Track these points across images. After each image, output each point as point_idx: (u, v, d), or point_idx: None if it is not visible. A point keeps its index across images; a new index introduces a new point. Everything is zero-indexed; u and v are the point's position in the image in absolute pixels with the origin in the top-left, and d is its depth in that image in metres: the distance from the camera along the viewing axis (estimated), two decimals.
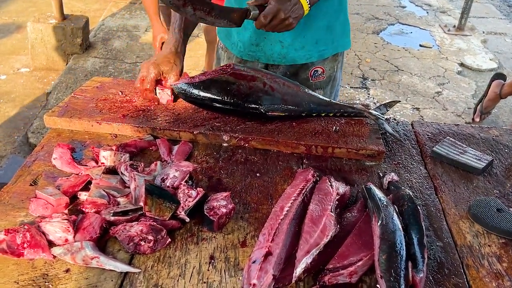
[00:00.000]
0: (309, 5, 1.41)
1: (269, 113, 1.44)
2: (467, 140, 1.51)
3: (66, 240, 1.01)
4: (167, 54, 1.56)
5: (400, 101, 1.72)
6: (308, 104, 1.48)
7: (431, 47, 5.16)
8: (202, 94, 1.43)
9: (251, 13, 1.38)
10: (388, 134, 1.49)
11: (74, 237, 1.01)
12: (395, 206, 1.08)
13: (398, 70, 4.59)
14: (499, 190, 1.30)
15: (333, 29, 1.67)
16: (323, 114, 1.50)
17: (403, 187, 1.23)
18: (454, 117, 3.88)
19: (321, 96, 1.53)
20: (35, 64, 4.40)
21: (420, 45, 5.19)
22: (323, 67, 1.72)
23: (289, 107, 1.46)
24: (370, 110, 1.50)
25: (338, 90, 1.87)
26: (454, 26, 5.63)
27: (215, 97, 1.43)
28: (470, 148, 1.43)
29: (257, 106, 1.43)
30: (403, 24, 5.80)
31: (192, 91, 1.44)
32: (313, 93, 1.52)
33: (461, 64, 4.78)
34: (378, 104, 1.58)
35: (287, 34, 1.58)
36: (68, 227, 1.01)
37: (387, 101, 1.61)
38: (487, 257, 1.07)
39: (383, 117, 1.51)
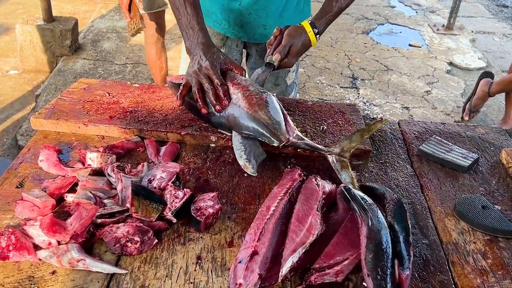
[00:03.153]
0: (318, 38, 1.59)
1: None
2: (453, 138, 1.52)
3: (50, 243, 1.00)
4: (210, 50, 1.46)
5: (387, 120, 1.45)
6: (252, 131, 1.31)
7: (420, 47, 5.19)
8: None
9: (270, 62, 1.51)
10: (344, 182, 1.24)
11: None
12: (379, 205, 1.08)
13: (387, 70, 4.61)
14: (485, 188, 1.31)
15: (299, 4, 1.83)
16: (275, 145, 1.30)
17: (385, 187, 1.23)
18: (443, 116, 3.91)
19: (277, 123, 1.29)
20: (24, 66, 4.38)
21: (410, 45, 5.22)
22: None
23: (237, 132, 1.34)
24: (329, 149, 1.30)
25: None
26: (443, 26, 5.66)
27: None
28: (456, 146, 1.44)
29: (207, 117, 1.39)
30: (392, 24, 5.83)
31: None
32: (267, 116, 1.29)
33: (450, 63, 4.81)
34: (368, 111, 1.53)
35: (270, 19, 1.73)
36: None
37: (353, 133, 1.33)
38: (472, 254, 1.08)
39: (345, 159, 1.29)
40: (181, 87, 1.40)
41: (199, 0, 1.48)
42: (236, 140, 1.32)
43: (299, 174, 1.21)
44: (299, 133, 1.30)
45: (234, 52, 1.90)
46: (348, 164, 1.27)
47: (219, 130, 1.41)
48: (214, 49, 1.43)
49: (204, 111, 1.36)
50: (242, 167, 1.25)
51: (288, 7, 1.78)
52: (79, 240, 1.01)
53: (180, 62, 2.28)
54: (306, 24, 1.57)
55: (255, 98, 1.32)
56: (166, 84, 1.55)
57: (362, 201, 1.06)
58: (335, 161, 1.28)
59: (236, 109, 1.33)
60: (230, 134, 1.37)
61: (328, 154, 1.30)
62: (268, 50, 1.55)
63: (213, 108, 1.36)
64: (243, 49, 1.95)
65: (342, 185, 1.14)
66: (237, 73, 1.42)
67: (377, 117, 1.60)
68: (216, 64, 1.39)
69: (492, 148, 1.49)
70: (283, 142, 1.28)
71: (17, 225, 1.05)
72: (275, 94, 1.38)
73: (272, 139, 1.28)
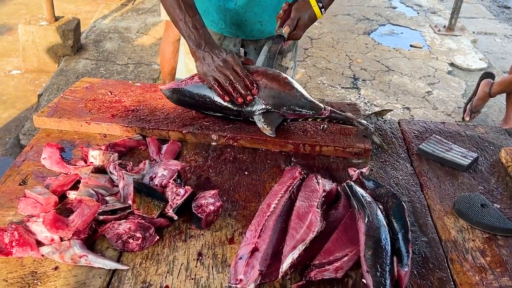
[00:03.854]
0: (323, 11, 1.64)
1: (252, 118, 1.43)
2: (453, 137, 1.53)
3: (52, 240, 1.01)
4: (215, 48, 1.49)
5: (392, 110, 1.69)
6: (294, 106, 1.40)
7: (421, 47, 5.20)
8: (188, 99, 1.46)
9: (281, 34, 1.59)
10: (378, 146, 1.44)
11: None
12: (378, 203, 1.09)
13: (388, 70, 4.62)
14: (484, 186, 1.32)
15: None
16: (310, 120, 1.45)
17: (384, 184, 1.24)
18: (444, 116, 3.91)
19: (308, 96, 1.43)
20: (27, 66, 4.39)
21: (411, 45, 5.22)
22: None
23: (273, 110, 1.42)
24: (360, 120, 1.46)
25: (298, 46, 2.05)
26: (445, 27, 5.66)
27: (201, 101, 1.45)
28: (456, 146, 1.45)
29: (240, 109, 1.43)
30: (394, 24, 5.83)
31: (179, 96, 1.47)
32: (299, 92, 1.42)
33: (451, 64, 4.81)
34: (369, 111, 1.58)
35: (265, 14, 1.74)
36: None
37: (378, 110, 1.59)
38: (471, 252, 1.09)
39: (372, 128, 1.46)
40: (214, 87, 1.41)
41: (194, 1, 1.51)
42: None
43: (300, 172, 1.22)
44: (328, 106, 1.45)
45: None
46: (374, 132, 1.46)
47: (222, 130, 1.43)
48: (221, 47, 1.47)
49: (240, 100, 1.40)
50: (261, 129, 1.38)
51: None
52: (82, 237, 1.03)
53: (178, 62, 2.26)
54: None
55: (281, 79, 1.43)
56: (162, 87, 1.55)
57: (362, 199, 1.07)
58: (365, 129, 1.45)
59: (268, 92, 1.41)
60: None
61: (359, 124, 1.45)
62: (278, 23, 1.62)
63: (236, 100, 1.41)
64: (241, 48, 1.96)
65: (346, 181, 1.16)
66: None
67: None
68: (235, 57, 1.43)
69: (491, 147, 1.49)
70: (322, 111, 1.41)
71: (20, 222, 1.06)
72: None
73: (311, 110, 1.41)
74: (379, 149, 1.45)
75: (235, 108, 1.43)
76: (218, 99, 1.43)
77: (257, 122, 1.40)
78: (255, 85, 1.40)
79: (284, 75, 1.45)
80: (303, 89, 1.45)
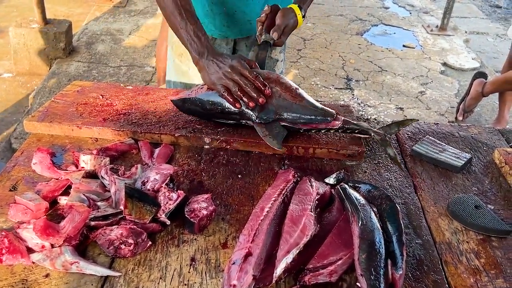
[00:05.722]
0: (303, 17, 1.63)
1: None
2: (447, 138, 1.53)
3: (43, 246, 1.00)
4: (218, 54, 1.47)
5: (418, 120, 1.60)
6: (306, 117, 1.39)
7: (414, 47, 5.21)
8: (199, 108, 1.44)
9: (267, 40, 1.58)
10: (390, 159, 1.39)
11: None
12: (372, 205, 1.09)
13: (382, 71, 4.62)
14: (478, 187, 1.32)
15: None
16: (323, 131, 1.41)
17: (378, 186, 1.24)
18: (438, 116, 3.92)
19: (319, 106, 1.41)
20: (18, 69, 4.36)
21: (404, 46, 5.24)
22: None
23: (286, 123, 1.40)
24: (376, 130, 1.42)
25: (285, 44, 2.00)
26: (437, 26, 5.68)
27: (213, 110, 1.42)
28: (449, 147, 1.45)
29: (252, 119, 1.40)
30: (386, 25, 5.85)
31: (190, 106, 1.45)
32: (310, 102, 1.40)
33: (444, 64, 4.83)
34: (362, 112, 1.57)
35: (255, 14, 1.71)
36: None
37: (399, 120, 1.52)
38: (466, 254, 1.09)
39: (389, 138, 1.41)
40: (224, 95, 1.39)
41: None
42: (257, 125, 1.39)
43: (293, 175, 1.21)
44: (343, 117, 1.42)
45: (224, 50, 1.90)
46: (390, 143, 1.41)
47: (217, 131, 1.42)
48: (224, 54, 1.47)
49: (252, 104, 1.37)
50: (269, 144, 1.33)
51: None
52: (73, 243, 1.01)
53: (167, 63, 2.24)
54: (295, 7, 1.63)
55: (293, 90, 1.41)
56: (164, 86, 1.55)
57: (355, 201, 1.06)
58: (381, 140, 1.41)
59: (282, 102, 1.39)
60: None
61: (376, 134, 1.41)
62: (259, 28, 1.61)
63: (248, 105, 1.38)
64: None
65: (340, 184, 1.16)
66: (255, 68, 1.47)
67: (370, 117, 1.61)
68: (241, 61, 1.42)
69: (485, 148, 1.49)
70: (334, 121, 1.39)
71: (10, 228, 1.05)
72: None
73: (324, 120, 1.38)
74: (372, 151, 1.45)
75: (247, 115, 1.40)
76: (229, 106, 1.40)
77: (263, 138, 1.35)
78: (267, 86, 1.38)
79: (295, 85, 1.43)
80: (314, 100, 1.43)
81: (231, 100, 1.38)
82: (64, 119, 1.44)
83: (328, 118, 1.38)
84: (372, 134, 1.40)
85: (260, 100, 1.37)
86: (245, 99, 1.37)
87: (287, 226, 1.03)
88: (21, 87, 4.18)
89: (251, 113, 1.39)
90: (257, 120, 1.39)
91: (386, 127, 1.47)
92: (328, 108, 1.41)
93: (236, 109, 1.39)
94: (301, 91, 1.42)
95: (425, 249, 1.09)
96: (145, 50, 4.73)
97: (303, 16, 1.64)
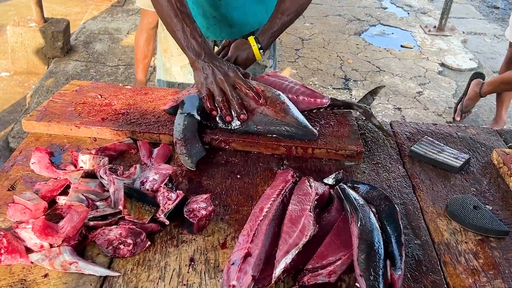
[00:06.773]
0: (262, 53, 1.61)
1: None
2: (445, 139, 1.53)
3: (42, 246, 1.00)
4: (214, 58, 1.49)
5: (384, 86, 1.83)
6: (285, 133, 1.40)
7: (412, 48, 5.22)
8: (187, 111, 1.43)
9: None
10: (377, 128, 1.51)
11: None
12: (371, 205, 1.09)
13: (379, 71, 4.63)
14: (476, 188, 1.32)
15: (265, 2, 1.79)
16: (314, 110, 1.50)
17: (377, 186, 1.24)
18: (435, 116, 3.93)
19: (302, 123, 1.41)
20: (16, 68, 4.36)
21: (401, 46, 5.25)
22: None
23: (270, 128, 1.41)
24: (357, 103, 1.53)
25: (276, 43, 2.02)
26: (435, 27, 5.70)
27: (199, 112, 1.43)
28: (448, 147, 1.45)
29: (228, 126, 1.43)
30: (384, 25, 5.86)
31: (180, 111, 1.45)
32: (293, 118, 1.40)
33: (442, 64, 4.84)
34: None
35: (235, 21, 1.73)
36: None
37: (371, 89, 1.65)
38: (464, 254, 1.09)
39: (370, 109, 1.53)
40: (204, 99, 1.41)
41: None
42: (178, 138, 1.37)
43: (292, 175, 1.21)
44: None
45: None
46: (373, 113, 1.54)
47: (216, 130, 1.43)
48: (221, 59, 1.47)
49: (228, 118, 1.40)
50: (183, 162, 1.30)
51: None
52: (72, 243, 1.01)
53: (157, 61, 2.24)
54: (251, 38, 1.61)
55: (278, 104, 1.41)
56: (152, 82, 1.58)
57: (354, 201, 1.06)
58: (364, 112, 1.53)
59: (262, 118, 1.40)
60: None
61: (358, 107, 1.53)
62: None
63: (225, 117, 1.40)
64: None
65: (339, 184, 1.16)
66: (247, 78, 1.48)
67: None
68: (237, 72, 1.42)
69: (483, 149, 1.50)
70: (322, 100, 1.50)
71: (8, 228, 1.04)
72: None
73: (302, 138, 1.40)
74: (371, 151, 1.45)
75: (221, 124, 1.42)
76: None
77: (179, 155, 1.32)
78: (259, 99, 1.40)
79: (283, 98, 1.43)
80: (299, 114, 1.43)
81: (209, 106, 1.40)
82: (62, 118, 1.43)
83: (307, 136, 1.40)
84: (355, 108, 1.53)
85: (242, 116, 1.39)
86: (224, 111, 1.39)
87: (286, 227, 1.03)
88: (18, 86, 4.17)
89: (227, 124, 1.42)
90: (233, 129, 1.42)
91: (363, 99, 1.60)
92: (311, 127, 1.41)
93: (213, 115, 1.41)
94: (286, 105, 1.41)
95: (424, 250, 1.09)
96: None
97: (260, 49, 1.61)
